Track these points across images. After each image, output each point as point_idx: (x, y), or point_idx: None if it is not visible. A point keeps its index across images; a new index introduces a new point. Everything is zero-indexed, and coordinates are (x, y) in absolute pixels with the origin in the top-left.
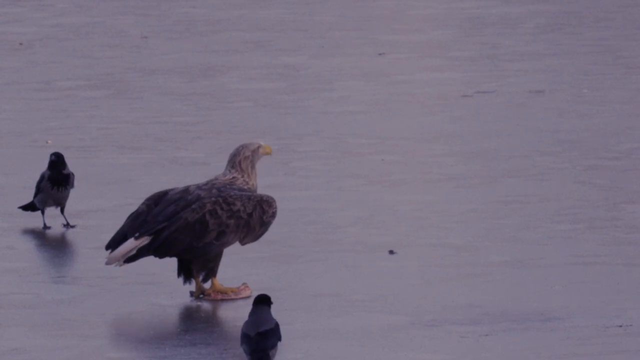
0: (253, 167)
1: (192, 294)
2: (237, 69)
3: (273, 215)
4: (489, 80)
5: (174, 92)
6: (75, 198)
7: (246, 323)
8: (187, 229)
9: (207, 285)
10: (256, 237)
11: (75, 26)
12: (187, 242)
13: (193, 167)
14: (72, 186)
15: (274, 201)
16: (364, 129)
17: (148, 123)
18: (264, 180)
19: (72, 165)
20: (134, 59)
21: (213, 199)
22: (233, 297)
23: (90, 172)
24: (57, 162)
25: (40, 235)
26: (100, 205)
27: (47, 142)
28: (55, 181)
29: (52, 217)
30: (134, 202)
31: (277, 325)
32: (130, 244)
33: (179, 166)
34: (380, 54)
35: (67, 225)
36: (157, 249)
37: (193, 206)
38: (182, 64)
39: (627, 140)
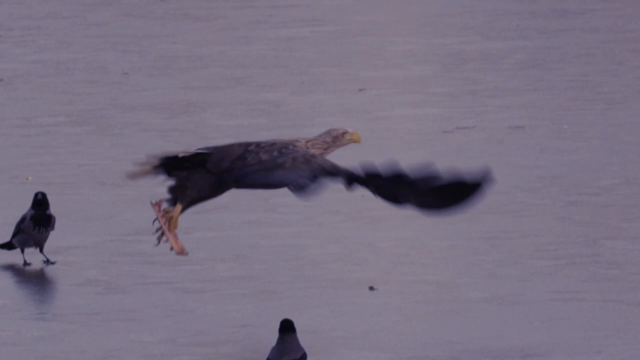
0: (324, 151)
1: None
2: (218, 106)
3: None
4: (470, 116)
5: (155, 129)
6: (56, 235)
7: (272, 349)
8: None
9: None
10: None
11: (56, 62)
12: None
13: None
14: (53, 228)
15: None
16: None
17: (129, 159)
18: (243, 217)
19: (53, 201)
20: (114, 95)
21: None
22: (167, 233)
23: (71, 208)
24: (42, 201)
25: (20, 272)
26: (81, 242)
27: (27, 179)
28: (38, 221)
29: (32, 254)
30: (115, 239)
31: (303, 356)
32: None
33: None
34: (360, 90)
35: (47, 262)
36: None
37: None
38: (163, 100)
39: (607, 176)
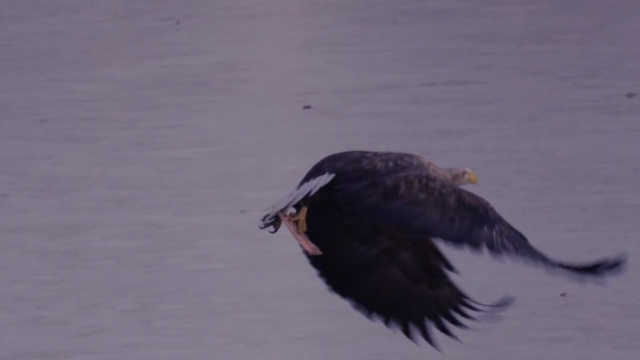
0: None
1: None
2: (99, 227)
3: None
4: None
5: (35, 251)
6: None
7: None
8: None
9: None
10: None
11: None
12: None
13: (54, 327)
14: None
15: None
16: (227, 286)
17: (8, 282)
18: (124, 339)
19: None
20: None
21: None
22: (297, 236)
23: None
24: None
25: None
26: None
27: None
28: None
29: None
30: None
31: None
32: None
33: (39, 326)
34: (242, 212)
35: None
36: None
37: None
38: (43, 222)
39: (493, 298)
